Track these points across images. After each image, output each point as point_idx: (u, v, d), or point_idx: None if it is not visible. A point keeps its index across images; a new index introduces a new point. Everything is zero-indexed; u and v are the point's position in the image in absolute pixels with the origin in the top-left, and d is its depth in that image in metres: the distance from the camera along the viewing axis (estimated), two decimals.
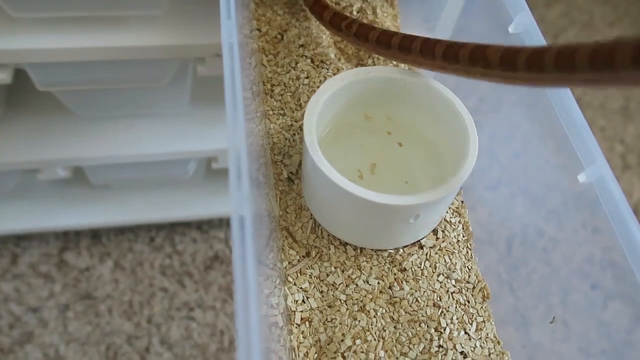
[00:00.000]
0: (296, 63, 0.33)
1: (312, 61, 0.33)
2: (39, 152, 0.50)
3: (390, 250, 0.28)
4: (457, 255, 0.28)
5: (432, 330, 0.26)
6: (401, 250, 0.28)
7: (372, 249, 0.28)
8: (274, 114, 0.32)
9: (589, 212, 0.30)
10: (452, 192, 0.24)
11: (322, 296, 0.27)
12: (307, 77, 0.32)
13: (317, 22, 0.35)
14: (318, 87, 0.32)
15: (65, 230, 0.69)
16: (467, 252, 0.29)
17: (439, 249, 0.28)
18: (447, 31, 0.43)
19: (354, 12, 0.37)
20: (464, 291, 0.27)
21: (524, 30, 0.28)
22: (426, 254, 0.28)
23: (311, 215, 0.29)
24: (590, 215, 0.30)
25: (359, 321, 0.26)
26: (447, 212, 0.29)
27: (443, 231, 0.29)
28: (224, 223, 0.72)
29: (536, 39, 0.27)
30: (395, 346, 0.26)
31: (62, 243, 0.69)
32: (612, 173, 0.25)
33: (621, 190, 0.25)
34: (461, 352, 0.26)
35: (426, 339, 0.26)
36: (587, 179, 0.25)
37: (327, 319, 0.26)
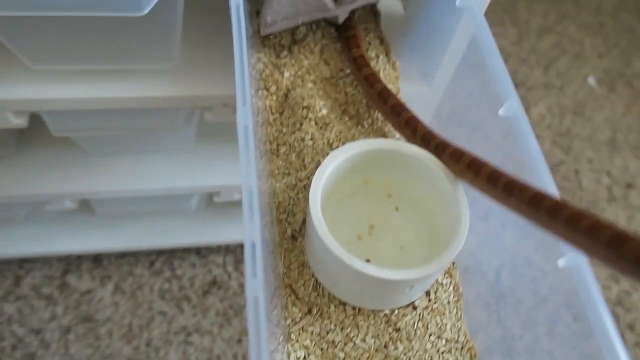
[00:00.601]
0: (300, 124, 0.35)
1: (316, 123, 0.35)
2: (48, 186, 0.52)
3: (386, 312, 0.30)
4: (448, 315, 0.30)
5: None
6: (396, 310, 0.30)
7: (369, 309, 0.30)
8: (279, 173, 0.34)
9: None
10: (443, 266, 0.27)
11: (322, 353, 0.28)
12: (312, 139, 0.34)
13: (323, 84, 0.37)
14: (322, 148, 0.34)
15: (68, 255, 0.70)
16: (457, 313, 0.31)
17: (431, 310, 0.30)
18: (442, 85, 0.46)
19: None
20: (453, 351, 0.30)
21: (512, 114, 0.30)
22: (419, 315, 0.30)
23: (313, 273, 0.31)
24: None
25: None
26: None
27: (435, 292, 0.31)
28: (222, 249, 0.74)
29: (523, 125, 0.29)
30: None
31: (64, 266, 0.71)
32: None
33: None
34: None
35: None
36: None
37: None
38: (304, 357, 0.28)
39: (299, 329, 0.29)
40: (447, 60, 0.42)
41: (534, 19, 1.11)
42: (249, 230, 0.22)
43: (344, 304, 0.30)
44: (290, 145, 0.35)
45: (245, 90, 0.27)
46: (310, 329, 0.29)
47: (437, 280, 0.31)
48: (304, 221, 0.32)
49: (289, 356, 0.28)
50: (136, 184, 0.53)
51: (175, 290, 0.71)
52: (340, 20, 0.37)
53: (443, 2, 0.37)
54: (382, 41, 0.42)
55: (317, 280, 0.30)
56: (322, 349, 0.28)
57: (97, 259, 0.72)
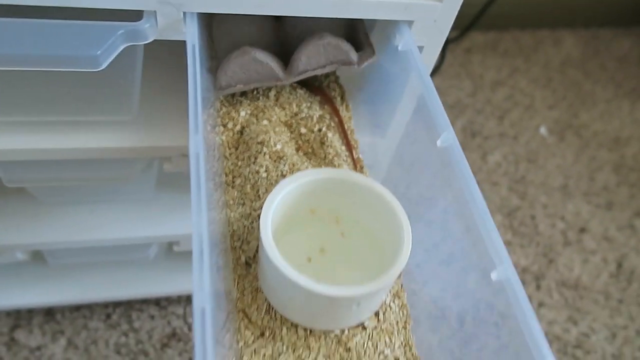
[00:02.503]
0: (255, 158, 0.36)
1: (270, 157, 0.36)
2: None
3: (336, 332, 0.30)
4: (396, 335, 0.32)
5: None
6: (346, 331, 0.31)
7: (321, 330, 0.30)
8: (234, 203, 0.35)
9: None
10: (388, 283, 0.28)
11: None
12: (266, 171, 0.36)
13: (277, 124, 0.39)
14: (276, 180, 0.35)
15: (17, 309, 0.67)
16: (405, 333, 0.32)
17: (380, 330, 0.31)
18: (397, 135, 0.47)
19: (315, 119, 0.41)
20: None
21: (449, 145, 0.32)
22: (369, 335, 0.31)
23: (265, 297, 0.31)
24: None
25: None
26: (387, 295, 0.33)
27: (384, 313, 0.32)
28: (182, 299, 0.72)
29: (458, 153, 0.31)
30: None
31: (13, 321, 0.67)
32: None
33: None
34: None
35: None
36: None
37: None
38: None
39: (251, 352, 0.29)
40: (399, 111, 0.44)
41: (487, 73, 1.17)
42: (197, 224, 0.23)
43: (296, 326, 0.30)
44: (245, 177, 0.36)
45: (198, 118, 0.27)
46: (262, 351, 0.29)
47: (385, 302, 0.32)
48: (257, 249, 0.32)
49: None
50: (91, 234, 0.52)
51: (132, 344, 0.68)
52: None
53: (388, 49, 0.40)
54: (338, 85, 0.44)
55: (269, 305, 0.31)
56: None
57: (49, 313, 0.69)
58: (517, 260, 0.85)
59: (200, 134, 0.28)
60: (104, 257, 0.56)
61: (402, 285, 0.34)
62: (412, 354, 0.31)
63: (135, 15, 0.33)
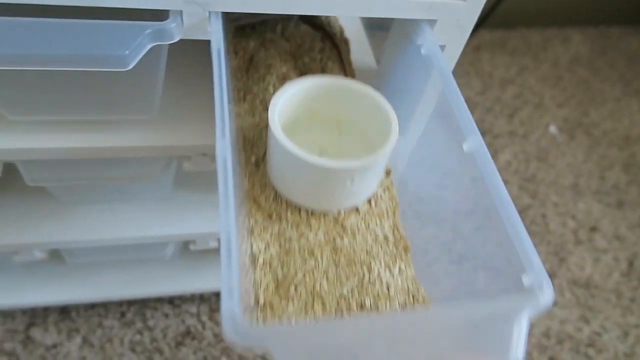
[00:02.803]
0: (264, 78, 0.41)
1: (277, 77, 0.41)
2: (17, 236, 0.51)
3: (334, 214, 0.35)
4: (386, 219, 0.36)
5: (365, 269, 0.33)
6: (343, 213, 0.36)
7: (321, 212, 0.35)
8: (245, 114, 0.39)
9: None
10: (378, 160, 0.32)
11: (280, 246, 0.33)
12: (273, 88, 0.40)
13: (283, 53, 0.44)
14: None
15: (33, 307, 0.68)
16: (394, 217, 0.37)
17: (372, 213, 0.36)
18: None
19: (316, 50, 0.46)
20: (390, 245, 0.35)
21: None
22: (362, 217, 0.36)
23: (273, 189, 0.36)
24: None
25: (308, 263, 0.32)
26: (379, 189, 0.38)
27: (375, 201, 0.37)
28: (196, 298, 0.73)
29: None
30: (336, 280, 0.32)
31: (29, 319, 0.68)
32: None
33: None
34: (386, 285, 0.32)
35: (360, 275, 0.32)
36: None
37: (283, 262, 0.32)
38: (265, 247, 0.33)
39: (260, 228, 0.34)
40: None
41: (496, 71, 1.17)
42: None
43: (299, 209, 0.35)
44: (254, 93, 0.40)
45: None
46: (270, 228, 0.34)
47: (377, 193, 0.37)
48: (265, 152, 0.37)
49: (251, 247, 0.33)
50: (109, 233, 0.52)
51: (147, 342, 0.68)
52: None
53: (409, 49, 0.40)
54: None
55: (276, 193, 0.36)
56: (280, 242, 0.33)
57: (64, 311, 0.69)
58: None
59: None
60: (121, 255, 0.57)
61: (392, 182, 0.39)
62: (400, 235, 0.36)
63: (153, 14, 0.33)
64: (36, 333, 0.67)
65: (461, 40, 0.39)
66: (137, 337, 0.69)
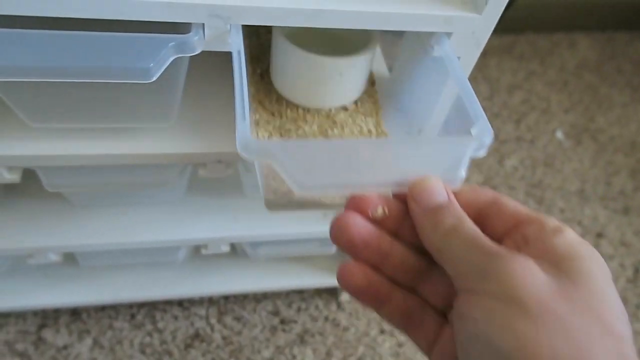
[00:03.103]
0: None
1: None
2: (33, 240, 0.51)
3: (326, 111, 0.43)
4: (370, 117, 0.44)
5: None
6: (333, 110, 0.44)
7: (315, 110, 0.43)
8: (248, 33, 0.48)
9: None
10: (361, 60, 0.39)
11: (281, 135, 0.41)
12: None
13: None
14: None
15: (44, 308, 0.68)
16: (377, 117, 0.45)
17: (358, 112, 0.45)
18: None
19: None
20: (372, 136, 0.43)
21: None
22: (349, 114, 0.44)
23: (275, 93, 0.43)
24: None
25: None
26: (364, 94, 0.45)
27: (361, 103, 0.45)
28: (205, 300, 0.73)
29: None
30: None
31: (40, 320, 0.68)
32: None
33: None
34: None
35: None
36: None
37: None
38: (268, 136, 0.41)
39: (264, 122, 0.42)
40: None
41: (504, 77, 1.17)
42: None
43: (297, 107, 0.43)
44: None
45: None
46: (272, 123, 0.42)
47: (362, 97, 0.45)
48: (268, 65, 0.44)
49: (257, 135, 0.41)
50: (122, 237, 0.53)
51: (157, 344, 0.69)
52: None
53: (425, 59, 0.40)
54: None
55: (278, 97, 0.44)
56: (280, 133, 0.41)
57: (75, 312, 0.70)
58: None
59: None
60: (134, 259, 0.57)
61: (376, 91, 0.47)
62: (381, 130, 0.44)
63: (171, 26, 0.33)
64: (47, 334, 0.68)
65: (476, 52, 0.39)
66: (147, 339, 0.69)
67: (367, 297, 0.25)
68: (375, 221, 0.25)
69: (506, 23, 1.24)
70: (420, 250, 0.25)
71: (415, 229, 0.24)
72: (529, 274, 0.19)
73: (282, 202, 0.31)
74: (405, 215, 0.25)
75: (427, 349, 0.25)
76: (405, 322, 0.25)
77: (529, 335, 0.17)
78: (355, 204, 0.25)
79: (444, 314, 0.25)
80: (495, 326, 0.18)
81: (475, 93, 0.33)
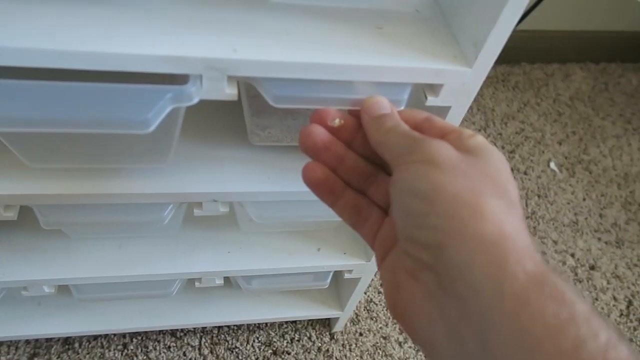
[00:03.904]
0: None
1: None
2: (28, 273, 0.52)
3: None
4: None
5: None
6: None
7: None
8: None
9: None
10: None
11: None
12: None
13: None
14: None
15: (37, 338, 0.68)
16: None
17: None
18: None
19: None
20: None
21: None
22: None
23: None
24: None
25: None
26: None
27: None
28: (198, 330, 0.73)
29: None
30: None
31: (32, 349, 0.68)
32: None
33: None
34: None
35: None
36: None
37: None
38: None
39: None
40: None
41: (498, 107, 1.19)
42: None
43: None
44: None
45: None
46: None
47: None
48: None
49: None
50: (117, 270, 0.53)
51: None
52: None
53: (417, 106, 0.41)
54: None
55: None
56: None
57: (67, 342, 0.69)
58: None
59: None
60: (129, 292, 0.57)
61: None
62: None
63: (170, 77, 0.34)
64: None
65: (467, 102, 0.40)
66: None
67: (324, 190, 0.31)
68: (333, 130, 0.32)
69: (501, 54, 1.26)
70: (369, 159, 0.32)
71: (366, 139, 0.31)
72: (445, 147, 0.26)
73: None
74: (357, 129, 0.32)
75: (371, 240, 0.31)
76: (355, 217, 0.31)
77: (440, 180, 0.24)
78: (317, 116, 0.32)
79: (385, 210, 0.31)
80: (417, 178, 0.25)
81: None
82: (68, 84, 0.32)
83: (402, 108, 0.38)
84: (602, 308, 0.89)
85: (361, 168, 0.31)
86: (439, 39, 0.39)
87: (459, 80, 0.38)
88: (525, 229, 0.24)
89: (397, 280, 0.26)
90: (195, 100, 0.34)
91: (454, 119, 0.42)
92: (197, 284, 0.58)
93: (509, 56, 1.29)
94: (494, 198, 0.24)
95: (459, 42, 0.39)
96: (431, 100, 0.39)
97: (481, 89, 1.23)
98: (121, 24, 0.32)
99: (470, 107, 1.17)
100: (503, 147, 1.11)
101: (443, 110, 0.41)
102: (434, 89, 0.39)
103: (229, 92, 0.35)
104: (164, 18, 0.34)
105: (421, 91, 0.40)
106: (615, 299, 0.91)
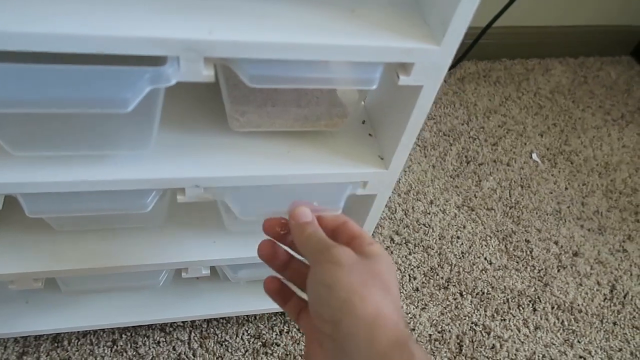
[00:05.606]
0: None
1: None
2: (15, 266, 0.52)
3: None
4: None
5: None
6: None
7: None
8: None
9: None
10: None
11: None
12: None
13: None
14: None
15: (25, 335, 0.68)
16: None
17: None
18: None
19: None
20: None
21: None
22: None
23: None
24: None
25: None
26: None
27: None
28: (187, 324, 0.74)
29: None
30: None
31: (21, 347, 0.68)
32: None
33: None
34: None
35: None
36: None
37: None
38: None
39: None
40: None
41: (480, 102, 1.21)
42: None
43: None
44: None
45: None
46: None
47: None
48: None
49: None
50: (104, 262, 0.54)
51: None
52: None
53: (390, 87, 0.42)
54: None
55: None
56: None
57: (56, 340, 0.70)
58: (513, 284, 0.87)
59: None
60: (116, 283, 0.58)
61: None
62: None
63: (149, 58, 0.35)
64: None
65: (438, 80, 0.42)
66: None
67: (278, 297, 0.43)
68: (279, 237, 0.43)
69: (482, 50, 1.29)
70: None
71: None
72: (346, 253, 0.35)
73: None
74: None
75: (296, 317, 0.41)
76: (281, 300, 0.43)
77: (340, 275, 0.34)
78: (267, 225, 0.43)
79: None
80: (325, 273, 0.35)
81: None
82: (48, 66, 0.33)
83: (374, 88, 0.41)
84: (587, 293, 0.91)
85: (300, 269, 0.41)
86: (410, 21, 0.41)
87: (429, 59, 0.40)
88: (399, 312, 0.33)
89: (308, 349, 0.37)
90: (173, 82, 0.35)
91: (426, 100, 0.43)
92: (183, 274, 0.59)
93: (489, 52, 1.31)
94: (377, 289, 0.33)
95: (429, 24, 0.40)
96: (403, 80, 0.40)
97: (463, 84, 1.26)
98: (99, 7, 0.34)
99: (453, 102, 1.19)
100: (486, 140, 1.13)
101: (415, 91, 0.42)
102: (406, 68, 0.40)
103: (206, 74, 0.36)
104: (141, 1, 0.35)
105: (394, 72, 0.41)
106: (599, 283, 0.93)
